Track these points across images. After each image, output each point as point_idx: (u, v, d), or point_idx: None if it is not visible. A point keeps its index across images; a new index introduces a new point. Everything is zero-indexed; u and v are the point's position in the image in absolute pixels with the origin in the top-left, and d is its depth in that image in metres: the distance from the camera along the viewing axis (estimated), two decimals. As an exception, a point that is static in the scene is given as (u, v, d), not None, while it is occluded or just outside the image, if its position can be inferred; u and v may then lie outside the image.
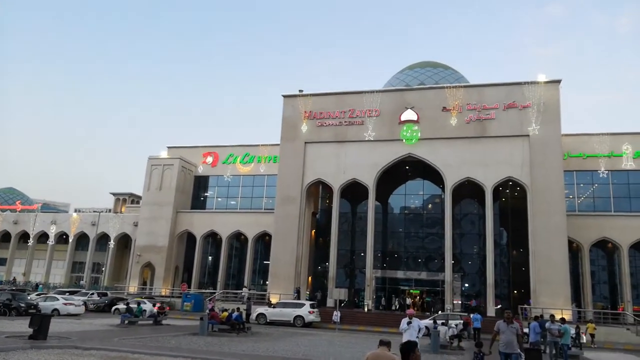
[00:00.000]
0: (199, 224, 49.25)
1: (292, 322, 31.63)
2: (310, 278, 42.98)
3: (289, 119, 42.68)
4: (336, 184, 40.73)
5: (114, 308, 34.02)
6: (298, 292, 38.21)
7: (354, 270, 43.28)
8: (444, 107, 38.97)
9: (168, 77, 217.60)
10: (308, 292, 40.80)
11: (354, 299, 41.66)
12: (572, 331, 23.40)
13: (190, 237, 50.28)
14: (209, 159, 51.82)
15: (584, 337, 26.57)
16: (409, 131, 39.24)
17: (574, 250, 40.18)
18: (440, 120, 39.00)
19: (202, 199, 52.14)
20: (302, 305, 32.81)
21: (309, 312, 31.87)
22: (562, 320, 20.41)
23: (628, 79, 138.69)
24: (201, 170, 52.08)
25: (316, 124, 41.80)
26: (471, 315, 28.62)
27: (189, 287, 46.80)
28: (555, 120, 36.97)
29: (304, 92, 42.82)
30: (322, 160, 41.19)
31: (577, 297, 39.02)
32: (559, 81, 37.75)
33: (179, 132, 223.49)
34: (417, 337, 14.47)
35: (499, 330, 11.93)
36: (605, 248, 42.42)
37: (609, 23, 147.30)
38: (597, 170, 42.29)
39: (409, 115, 39.70)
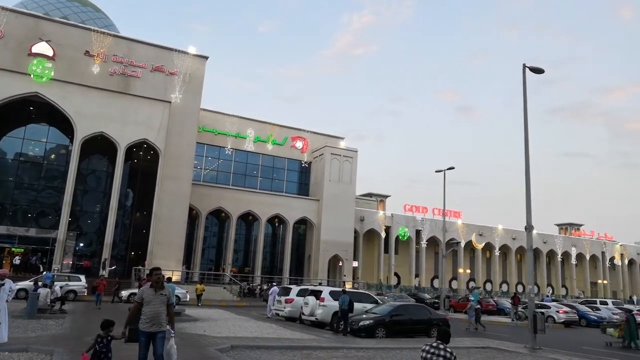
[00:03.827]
0: None
1: None
2: None
3: None
4: None
5: None
6: None
7: None
8: (87, 52, 35.34)
9: None
10: None
11: None
12: (179, 290, 25.08)
13: None
14: None
15: (188, 296, 28.77)
16: (41, 67, 33.78)
17: (193, 216, 43.37)
18: (81, 64, 35.16)
19: None
20: None
21: None
22: (169, 279, 21.54)
23: (257, 72, 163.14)
24: None
25: None
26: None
27: None
28: (197, 93, 38.82)
29: None
30: None
31: (188, 260, 42.34)
32: (206, 57, 39.79)
33: None
34: (7, 300, 12.36)
35: (143, 300, 8.10)
36: (219, 216, 47.66)
37: (254, 22, 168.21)
38: (224, 147, 47.17)
39: (43, 48, 34.17)
